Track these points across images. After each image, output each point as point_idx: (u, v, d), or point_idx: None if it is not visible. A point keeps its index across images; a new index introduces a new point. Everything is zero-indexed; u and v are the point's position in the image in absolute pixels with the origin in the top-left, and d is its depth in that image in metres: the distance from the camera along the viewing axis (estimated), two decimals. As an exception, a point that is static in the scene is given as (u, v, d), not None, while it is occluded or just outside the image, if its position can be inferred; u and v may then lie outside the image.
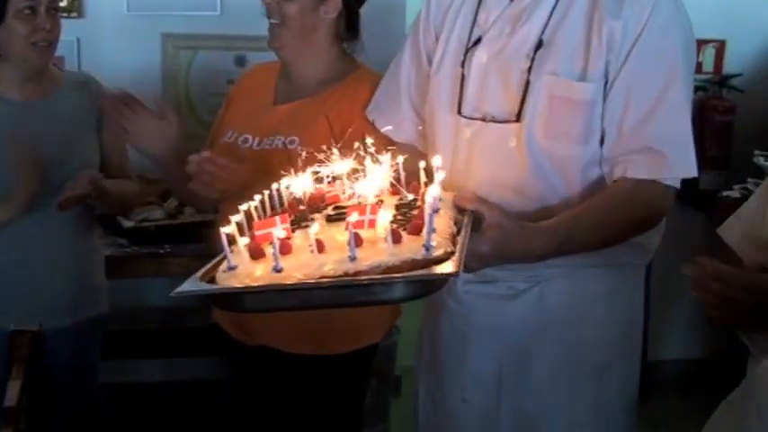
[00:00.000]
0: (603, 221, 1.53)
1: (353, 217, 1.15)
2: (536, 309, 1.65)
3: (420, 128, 1.80)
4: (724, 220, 1.63)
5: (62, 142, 2.22)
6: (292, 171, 1.49)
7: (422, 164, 1.54)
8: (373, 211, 1.21)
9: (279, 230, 1.15)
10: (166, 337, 3.06)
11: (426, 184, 1.51)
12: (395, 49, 1.92)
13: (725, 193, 2.52)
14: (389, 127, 1.75)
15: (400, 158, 1.50)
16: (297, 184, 1.38)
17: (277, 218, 1.21)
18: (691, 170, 1.57)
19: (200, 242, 2.61)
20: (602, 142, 1.57)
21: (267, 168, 1.97)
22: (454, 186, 1.52)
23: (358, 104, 1.96)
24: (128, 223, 2.55)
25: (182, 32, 3.23)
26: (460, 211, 1.41)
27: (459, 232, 1.29)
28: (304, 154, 1.54)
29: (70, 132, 2.25)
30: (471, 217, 1.38)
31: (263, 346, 1.99)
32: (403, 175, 1.49)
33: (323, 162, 1.51)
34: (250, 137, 2.05)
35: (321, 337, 1.95)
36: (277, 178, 1.89)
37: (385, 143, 1.71)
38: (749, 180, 2.68)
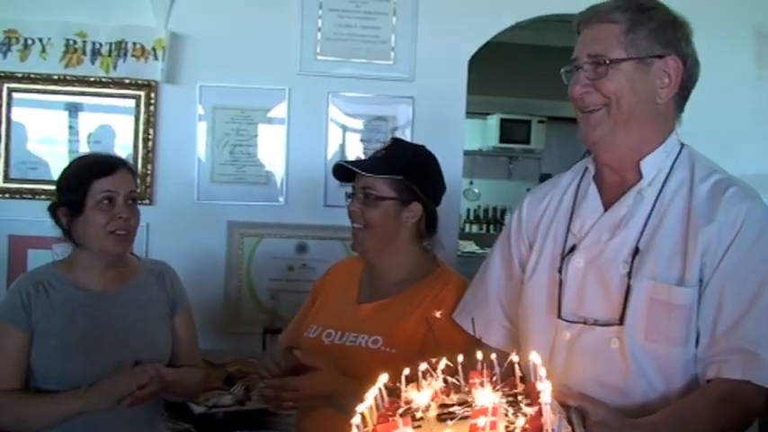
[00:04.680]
0: (701, 421, 1.54)
1: (482, 421, 1.19)
2: None
3: (509, 330, 1.85)
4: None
5: (138, 331, 2.20)
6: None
7: (515, 358, 1.58)
8: (495, 414, 1.25)
9: (407, 432, 1.17)
10: None
11: (522, 380, 1.55)
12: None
13: None
14: (481, 332, 1.80)
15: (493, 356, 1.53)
16: (422, 397, 1.42)
17: (399, 420, 1.24)
18: None
19: (264, 429, 2.62)
20: (696, 342, 1.60)
21: (349, 365, 2.02)
22: (553, 386, 1.55)
23: (443, 304, 2.01)
24: (198, 409, 2.55)
25: (247, 221, 3.39)
26: (563, 407, 1.43)
27: None
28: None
29: (146, 320, 2.24)
30: (579, 416, 1.41)
31: None
32: (498, 370, 1.52)
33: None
34: (333, 331, 2.12)
35: None
36: (358, 376, 1.92)
37: (469, 343, 1.76)
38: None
